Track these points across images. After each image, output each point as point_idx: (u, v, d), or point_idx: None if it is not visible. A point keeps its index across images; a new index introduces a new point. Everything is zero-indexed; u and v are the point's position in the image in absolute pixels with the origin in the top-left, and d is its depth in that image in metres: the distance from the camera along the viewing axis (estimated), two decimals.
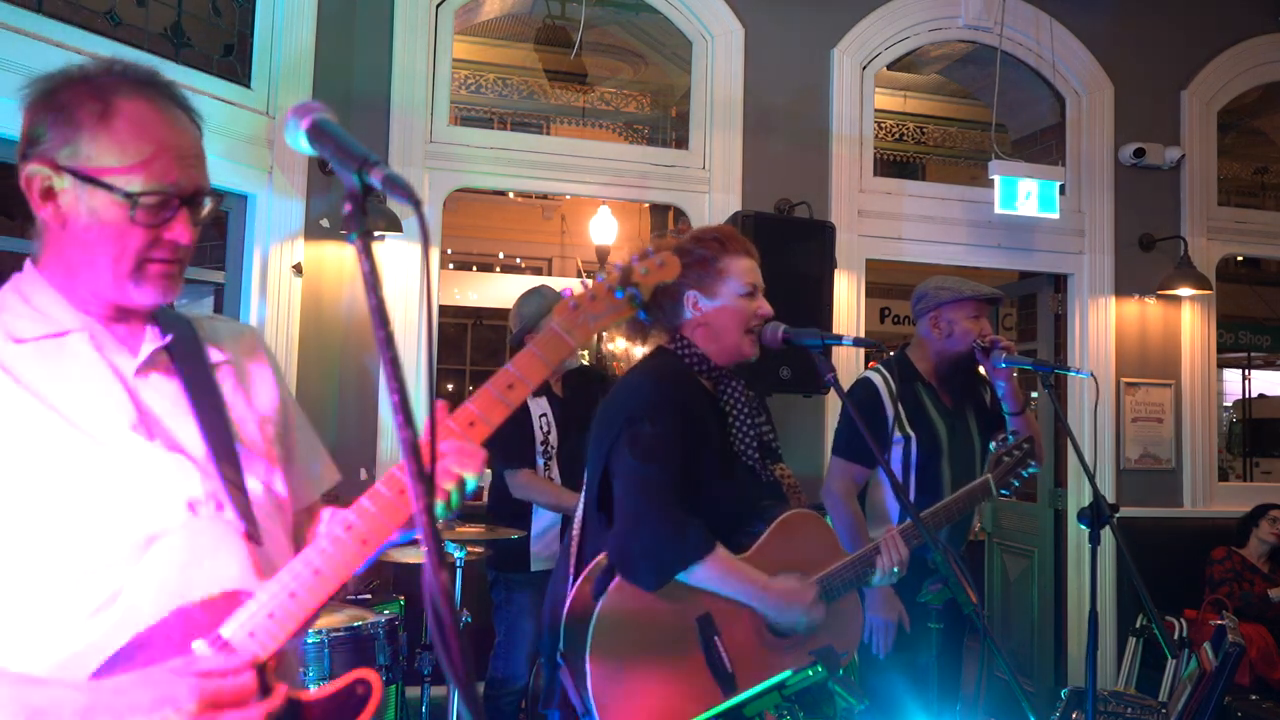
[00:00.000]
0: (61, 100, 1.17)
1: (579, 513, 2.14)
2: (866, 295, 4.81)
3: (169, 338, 1.26)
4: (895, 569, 2.19)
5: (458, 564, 3.24)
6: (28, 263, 1.24)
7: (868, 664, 2.90)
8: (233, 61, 3.90)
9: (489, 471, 3.64)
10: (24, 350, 1.16)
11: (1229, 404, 13.15)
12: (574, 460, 3.40)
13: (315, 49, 4.02)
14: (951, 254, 4.99)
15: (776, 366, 3.92)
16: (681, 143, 4.97)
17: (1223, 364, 10.97)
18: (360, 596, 3.42)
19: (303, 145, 1.01)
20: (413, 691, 3.57)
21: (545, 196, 9.55)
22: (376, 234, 3.84)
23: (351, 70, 4.21)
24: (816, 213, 4.54)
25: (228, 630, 1.11)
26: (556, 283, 3.90)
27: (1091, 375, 3.52)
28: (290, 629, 1.12)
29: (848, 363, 4.59)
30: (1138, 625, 4.55)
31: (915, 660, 2.80)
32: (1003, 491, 2.57)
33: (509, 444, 3.45)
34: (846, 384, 2.92)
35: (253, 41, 3.92)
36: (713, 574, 1.93)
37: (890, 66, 5.12)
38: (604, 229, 8.52)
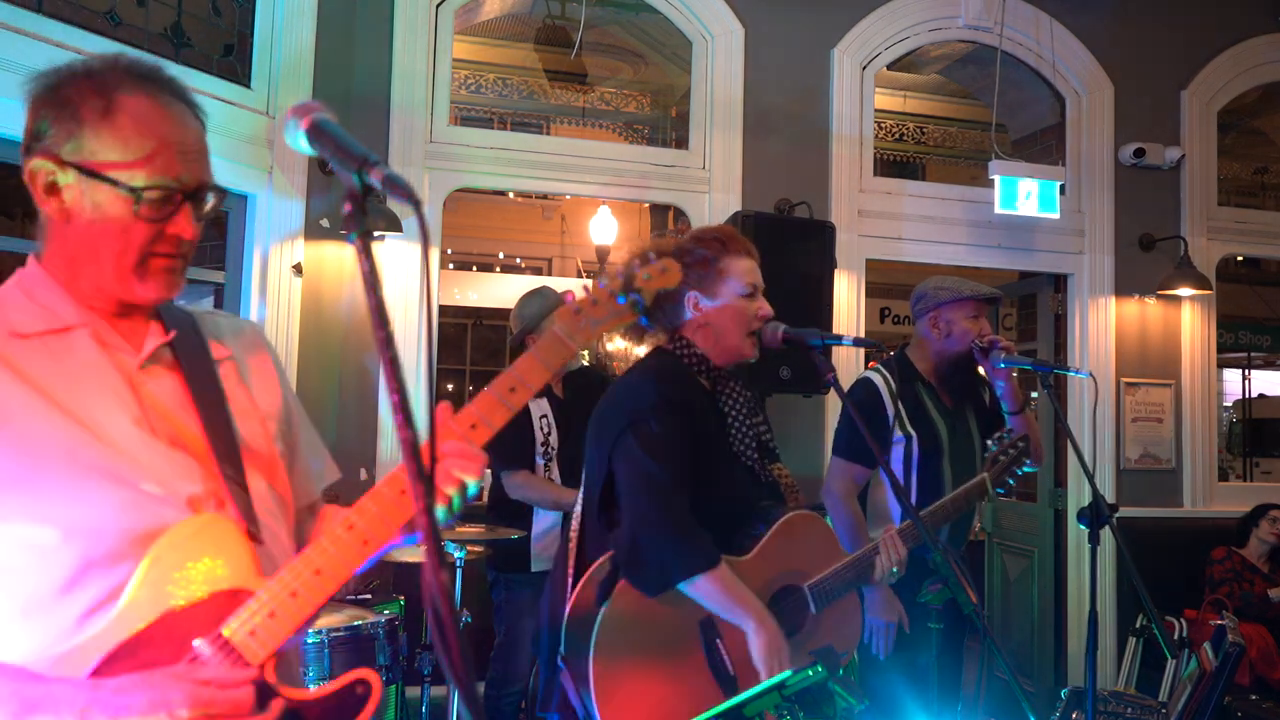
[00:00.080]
0: (65, 95, 1.17)
1: (577, 511, 2.13)
2: (866, 295, 4.81)
3: (172, 334, 1.26)
4: (894, 569, 2.19)
5: (458, 564, 3.23)
6: (31, 258, 1.24)
7: (868, 664, 2.89)
8: (233, 61, 3.91)
9: (488, 472, 3.64)
10: (27, 346, 1.17)
11: (1229, 404, 13.15)
12: (574, 461, 3.40)
13: (315, 49, 4.02)
14: (951, 254, 4.99)
15: (776, 366, 3.92)
16: (681, 143, 4.97)
17: (1223, 364, 10.97)
18: (360, 596, 3.42)
19: (302, 145, 1.01)
20: (413, 691, 3.57)
21: (545, 196, 9.56)
22: (376, 234, 3.84)
23: (351, 70, 4.21)
24: (816, 213, 4.54)
25: (228, 629, 1.11)
26: (557, 283, 3.91)
27: (1091, 375, 3.53)
28: (291, 628, 1.13)
29: (848, 363, 4.59)
30: (1138, 625, 4.55)
31: (915, 660, 2.80)
32: (998, 490, 2.58)
33: (506, 445, 3.45)
34: (846, 384, 2.92)
35: (253, 41, 3.92)
36: (715, 589, 1.91)
37: (890, 66, 5.12)
38: (604, 229, 8.52)
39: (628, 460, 1.97)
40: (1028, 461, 2.66)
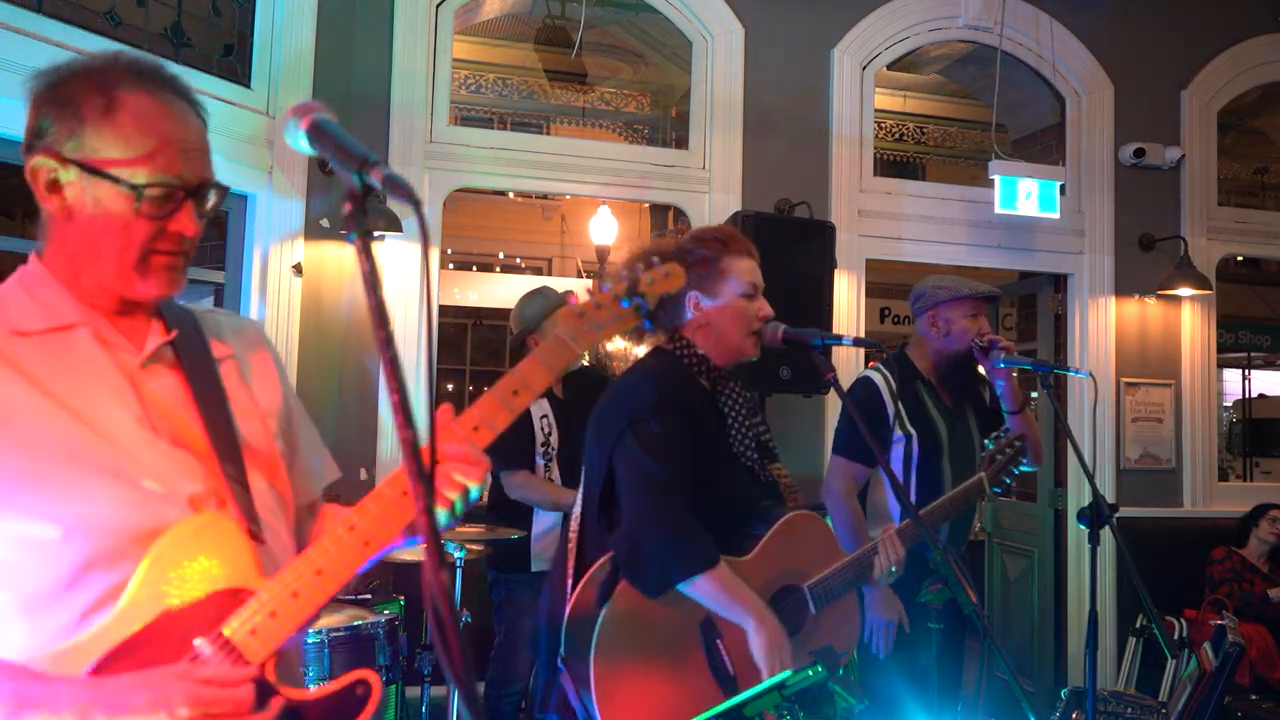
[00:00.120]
0: (67, 93, 1.17)
1: (576, 512, 2.12)
2: (866, 295, 4.82)
3: (173, 333, 1.26)
4: (893, 569, 2.19)
5: (458, 564, 3.23)
6: (32, 256, 1.24)
7: (868, 664, 2.89)
8: (233, 61, 3.91)
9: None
10: (28, 344, 1.17)
11: (1229, 404, 13.16)
12: (574, 461, 3.40)
13: (315, 49, 4.03)
14: (951, 254, 4.99)
15: (776, 366, 3.92)
16: (681, 143, 4.97)
17: (1223, 364, 10.97)
18: (360, 596, 3.42)
19: (303, 145, 1.01)
20: (413, 691, 3.57)
21: (545, 196, 9.56)
22: (376, 234, 3.84)
23: (351, 70, 4.21)
24: (816, 213, 4.54)
25: (229, 628, 1.11)
26: (557, 283, 3.91)
27: (1091, 375, 3.53)
28: (292, 628, 1.13)
29: (848, 363, 4.59)
30: (1138, 625, 4.55)
31: (915, 660, 2.80)
32: (995, 490, 2.59)
33: (507, 445, 3.45)
34: (846, 384, 2.92)
35: (253, 41, 3.92)
36: (715, 589, 1.91)
37: (890, 66, 5.12)
38: (604, 229, 8.52)
39: (627, 460, 1.96)
40: (1024, 461, 2.67)
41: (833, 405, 4.51)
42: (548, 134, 7.91)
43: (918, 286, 3.12)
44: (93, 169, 1.16)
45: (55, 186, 1.18)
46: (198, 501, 1.17)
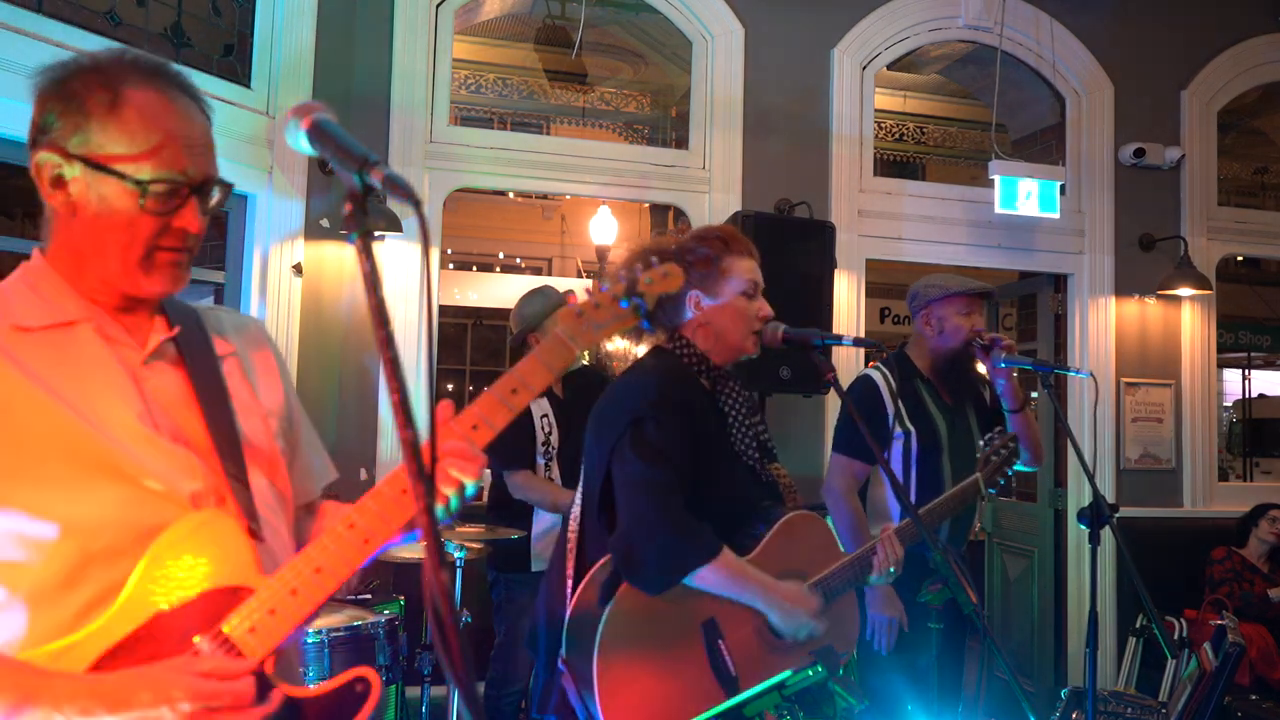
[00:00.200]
0: (72, 89, 1.17)
1: (575, 512, 2.12)
2: (866, 295, 4.82)
3: (176, 329, 1.26)
4: (891, 569, 2.20)
5: (458, 564, 3.24)
6: (35, 252, 1.24)
7: (868, 664, 2.90)
8: (233, 61, 3.91)
9: (488, 472, 3.64)
10: (30, 339, 1.17)
11: (1229, 404, 13.16)
12: (575, 461, 3.39)
13: (315, 49, 4.03)
14: (951, 254, 4.99)
15: (776, 366, 3.92)
16: (681, 143, 4.97)
17: (1223, 364, 10.97)
18: (360, 596, 3.42)
19: (303, 145, 1.01)
20: (413, 691, 3.57)
21: (545, 196, 9.56)
22: (376, 234, 3.84)
23: (351, 70, 4.21)
24: (816, 213, 4.54)
25: (229, 625, 1.11)
26: (557, 283, 3.91)
27: (1091, 375, 3.52)
28: (291, 625, 1.13)
29: (848, 363, 4.59)
30: (1138, 625, 4.55)
31: (915, 660, 2.80)
32: (990, 490, 2.61)
33: (508, 445, 3.45)
34: (846, 384, 2.93)
35: (253, 41, 3.93)
36: (720, 577, 1.92)
37: (890, 66, 5.12)
38: (604, 229, 8.52)
39: (627, 461, 1.96)
40: (1020, 460, 2.69)
41: (833, 405, 4.52)
42: (548, 134, 7.91)
43: (913, 286, 3.14)
44: (98, 165, 1.16)
45: (60, 182, 1.18)
46: (198, 499, 1.18)
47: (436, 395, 7.45)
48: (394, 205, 3.90)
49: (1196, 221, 5.25)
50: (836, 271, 4.41)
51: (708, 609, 1.94)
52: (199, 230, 1.21)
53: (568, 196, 7.68)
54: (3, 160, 3.13)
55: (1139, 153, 5.09)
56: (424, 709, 3.39)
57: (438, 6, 4.36)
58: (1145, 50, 5.22)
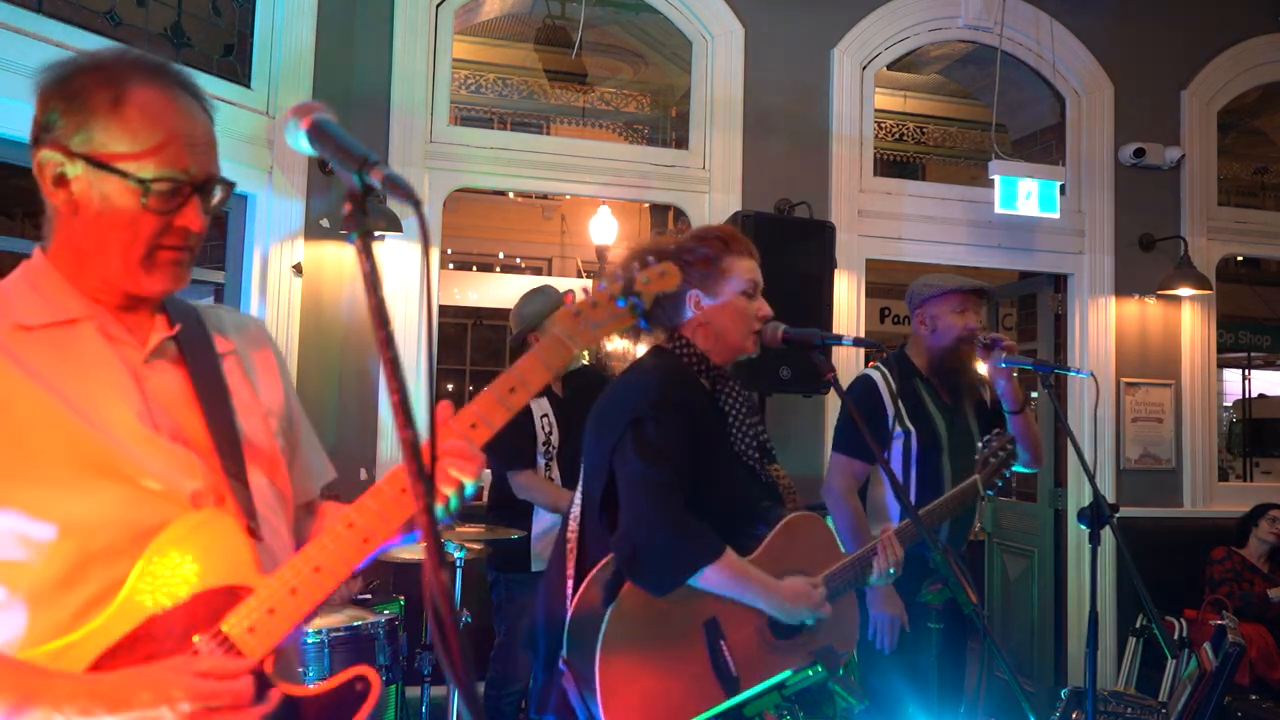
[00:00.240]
0: (75, 87, 1.17)
1: (574, 512, 2.11)
2: (866, 295, 4.82)
3: (176, 328, 1.26)
4: (891, 570, 2.20)
5: (458, 564, 3.24)
6: (36, 250, 1.24)
7: (868, 664, 2.90)
8: (233, 61, 3.91)
9: (488, 472, 3.64)
10: (31, 338, 1.16)
11: (1229, 404, 13.16)
12: (575, 461, 3.39)
13: (315, 49, 4.03)
14: (951, 254, 4.99)
15: (776, 366, 3.92)
16: (681, 143, 4.97)
17: (1223, 364, 10.98)
18: (360, 596, 3.42)
19: (303, 145, 1.01)
20: (413, 691, 3.57)
21: (545, 196, 9.56)
22: (376, 234, 3.84)
23: (351, 70, 4.21)
24: (816, 213, 4.54)
25: (228, 624, 1.11)
26: (557, 283, 3.91)
27: (1091, 375, 3.52)
28: (290, 625, 1.13)
29: (848, 363, 4.59)
30: (1138, 625, 4.55)
31: (916, 660, 2.80)
32: (988, 491, 2.61)
33: (511, 445, 3.45)
34: (846, 384, 2.93)
35: (253, 41, 3.93)
36: (723, 578, 1.92)
37: (890, 66, 5.12)
38: (604, 229, 8.52)
39: (628, 460, 1.95)
40: (1019, 462, 2.69)
41: (833, 405, 4.52)
42: (548, 134, 7.91)
43: (910, 286, 3.15)
44: (100, 163, 1.16)
45: (62, 180, 1.18)
46: (198, 498, 1.18)
47: (436, 395, 7.44)
48: (394, 205, 3.90)
49: (1196, 221, 5.25)
50: (836, 271, 4.41)
51: (709, 609, 1.94)
52: (201, 229, 1.21)
53: (568, 196, 7.68)
54: (3, 160, 3.13)
55: (1139, 153, 5.09)
56: (424, 709, 3.39)
57: (438, 6, 4.36)
58: (1145, 50, 5.22)
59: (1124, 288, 5.13)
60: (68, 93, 1.17)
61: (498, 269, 10.31)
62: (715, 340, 2.12)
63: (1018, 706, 2.05)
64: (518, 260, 10.58)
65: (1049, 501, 5.22)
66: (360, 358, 4.13)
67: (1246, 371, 13.23)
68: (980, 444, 2.66)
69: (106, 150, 1.16)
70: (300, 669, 1.49)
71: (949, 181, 6.28)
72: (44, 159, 1.18)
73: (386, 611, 3.23)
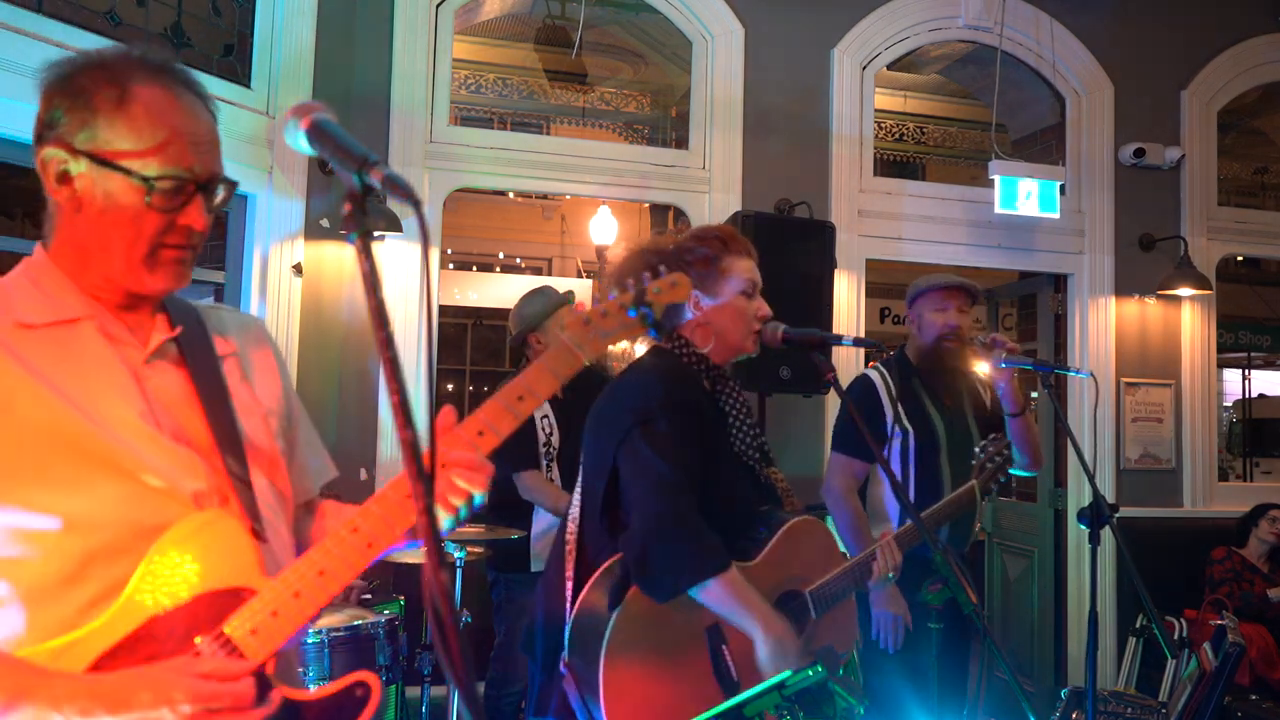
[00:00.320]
0: (79, 84, 1.17)
1: (573, 512, 2.09)
2: (866, 295, 4.82)
3: (178, 329, 1.26)
4: (890, 574, 2.21)
5: (458, 564, 3.23)
6: (38, 248, 1.24)
7: (869, 664, 2.90)
8: (233, 61, 3.91)
9: None
10: (33, 336, 1.16)
11: (1229, 404, 13.15)
12: (575, 462, 3.39)
13: (315, 49, 4.02)
14: (951, 254, 4.99)
15: (776, 366, 3.92)
16: (681, 143, 4.97)
17: (1223, 364, 10.97)
18: (361, 597, 3.42)
19: (303, 145, 1.01)
20: (413, 691, 3.57)
21: (545, 196, 9.56)
22: (376, 234, 3.84)
23: (351, 70, 4.21)
24: (816, 213, 4.54)
25: (230, 626, 1.11)
26: (557, 283, 3.91)
27: (1091, 375, 3.52)
28: (293, 628, 1.13)
29: (848, 363, 4.59)
30: (1138, 625, 4.55)
31: (916, 660, 2.81)
32: (984, 496, 2.63)
33: (515, 446, 3.45)
34: (846, 384, 2.93)
35: (253, 41, 3.92)
36: (724, 593, 1.89)
37: (890, 66, 5.12)
38: (604, 229, 8.52)
39: (636, 460, 1.93)
40: (1017, 465, 2.71)
41: (832, 405, 4.51)
42: (548, 134, 7.91)
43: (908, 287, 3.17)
44: (104, 160, 1.16)
45: (65, 178, 1.17)
46: (201, 499, 1.17)
47: (436, 396, 7.43)
48: (394, 205, 3.90)
49: (1196, 221, 5.25)
50: (836, 271, 4.41)
51: (712, 615, 1.93)
52: (204, 228, 1.21)
53: (568, 196, 7.68)
54: (3, 160, 3.13)
55: (1139, 153, 5.09)
56: (424, 709, 3.39)
57: (438, 6, 4.36)
58: (1145, 50, 5.22)
59: (1124, 288, 5.13)
60: (72, 90, 1.17)
61: (498, 269, 10.30)
62: (715, 340, 2.12)
63: (1018, 706, 2.05)
64: (518, 260, 10.57)
65: (1049, 501, 5.22)
66: (360, 358, 4.12)
67: (1246, 371, 13.23)
68: (977, 449, 2.68)
69: (110, 148, 1.16)
70: (300, 669, 1.49)
71: (949, 181, 6.28)
72: (47, 156, 1.18)
73: (386, 611, 3.23)
